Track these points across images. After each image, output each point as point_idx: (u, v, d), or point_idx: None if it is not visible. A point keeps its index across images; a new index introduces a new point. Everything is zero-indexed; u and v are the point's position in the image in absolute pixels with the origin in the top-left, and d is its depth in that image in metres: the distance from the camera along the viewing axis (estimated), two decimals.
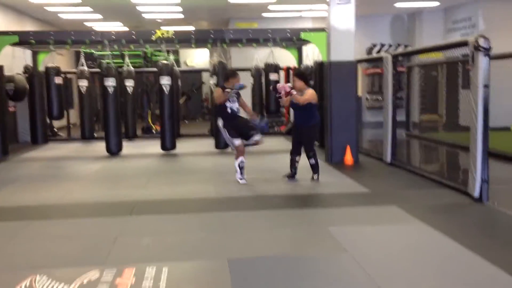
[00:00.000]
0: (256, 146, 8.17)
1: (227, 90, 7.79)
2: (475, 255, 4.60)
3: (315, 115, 7.98)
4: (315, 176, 8.02)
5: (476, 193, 6.57)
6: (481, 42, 6.24)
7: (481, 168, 6.51)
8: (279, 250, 4.87)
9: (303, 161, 8.10)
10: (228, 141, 8.04)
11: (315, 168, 8.02)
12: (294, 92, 7.86)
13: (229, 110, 7.88)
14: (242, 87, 7.93)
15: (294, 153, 8.17)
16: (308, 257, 4.64)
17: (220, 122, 7.94)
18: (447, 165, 9.50)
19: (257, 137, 7.99)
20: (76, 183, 8.22)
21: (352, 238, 5.16)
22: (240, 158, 7.92)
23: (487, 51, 6.25)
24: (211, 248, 4.94)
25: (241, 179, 7.92)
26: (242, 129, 7.93)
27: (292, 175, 8.17)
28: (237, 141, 7.88)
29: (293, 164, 8.19)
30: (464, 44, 6.76)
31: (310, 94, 7.89)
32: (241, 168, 7.93)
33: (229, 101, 7.87)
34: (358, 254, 4.66)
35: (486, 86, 6.36)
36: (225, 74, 8.23)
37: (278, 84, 8.11)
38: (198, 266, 4.49)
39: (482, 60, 6.29)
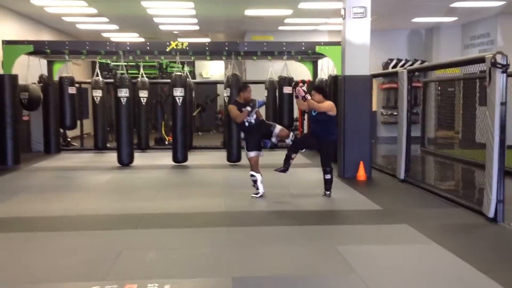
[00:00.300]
0: (285, 141, 8.12)
1: (247, 108, 7.73)
2: (488, 279, 4.44)
3: (335, 130, 7.88)
4: (327, 193, 7.86)
5: (491, 214, 6.38)
6: (499, 59, 6.09)
7: (497, 187, 6.33)
8: (286, 269, 4.74)
9: (314, 175, 7.97)
10: (246, 150, 7.94)
11: (328, 184, 7.86)
12: (309, 96, 7.69)
13: (246, 124, 7.87)
14: (262, 104, 7.96)
15: (292, 150, 7.92)
16: (315, 278, 4.50)
17: (242, 134, 7.90)
18: (461, 183, 9.31)
19: (276, 130, 7.93)
20: (85, 194, 8.17)
21: (361, 258, 5.02)
22: (252, 172, 7.85)
23: (504, 67, 6.10)
24: (216, 265, 4.83)
25: (256, 194, 7.83)
26: (261, 132, 7.94)
27: (283, 170, 7.91)
28: (252, 153, 7.85)
29: (287, 161, 7.92)
30: (481, 60, 6.61)
31: (328, 104, 7.72)
32: (254, 182, 7.84)
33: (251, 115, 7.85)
34: (366, 275, 4.52)
35: (503, 104, 6.21)
36: (237, 88, 8.15)
37: (298, 86, 7.92)
38: (201, 285, 4.38)
39: (499, 77, 6.13)
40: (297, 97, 7.82)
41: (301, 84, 7.92)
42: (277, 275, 4.55)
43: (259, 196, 7.79)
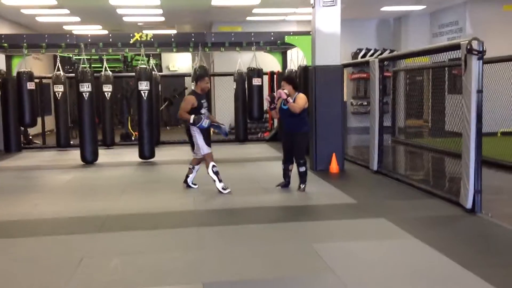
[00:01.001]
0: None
1: (193, 117, 7.41)
2: (469, 272, 4.26)
3: (307, 121, 7.65)
4: (302, 186, 7.59)
5: (468, 204, 6.20)
6: (475, 45, 5.89)
7: (474, 177, 6.15)
8: (259, 271, 4.45)
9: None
10: (198, 145, 7.61)
11: (303, 177, 7.60)
12: (290, 100, 7.41)
13: (203, 117, 7.59)
14: (224, 132, 7.88)
15: (287, 162, 7.78)
16: (291, 280, 4.22)
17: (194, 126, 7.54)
18: (436, 174, 9.16)
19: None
20: (45, 196, 7.71)
21: (338, 256, 4.76)
22: (212, 163, 7.58)
23: (480, 54, 5.90)
24: (186, 270, 4.51)
25: (224, 189, 7.53)
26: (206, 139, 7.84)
27: (285, 184, 7.80)
28: (209, 149, 7.67)
29: (286, 174, 7.81)
30: (456, 47, 6.40)
31: (302, 99, 7.46)
32: (216, 173, 7.55)
33: (204, 107, 7.60)
34: (345, 274, 4.26)
35: (479, 91, 6.01)
36: (195, 78, 7.82)
37: (274, 93, 7.68)
38: None
39: (475, 64, 5.93)
40: (273, 108, 7.54)
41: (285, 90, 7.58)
42: (250, 279, 4.26)
43: (228, 192, 7.50)
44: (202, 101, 7.59)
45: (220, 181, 7.55)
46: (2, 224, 6.15)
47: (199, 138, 7.58)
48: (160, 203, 7.11)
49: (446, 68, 13.08)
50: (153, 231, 5.74)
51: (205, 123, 7.45)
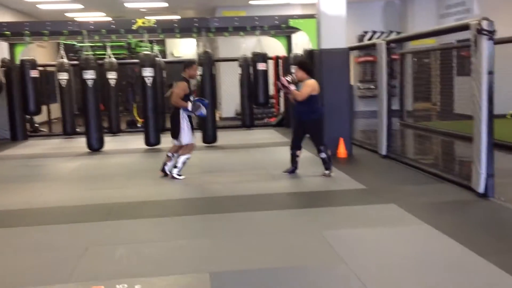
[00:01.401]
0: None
1: (188, 103, 7.40)
2: (482, 259, 4.15)
3: (316, 108, 7.42)
4: (326, 173, 7.45)
5: (481, 189, 6.08)
6: (485, 25, 5.73)
7: (487, 161, 6.02)
8: (267, 260, 4.35)
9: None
10: (184, 133, 7.50)
11: (326, 163, 7.45)
12: (292, 87, 7.28)
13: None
14: (203, 115, 7.71)
15: (294, 147, 7.65)
16: (300, 269, 4.12)
17: (184, 113, 7.47)
18: (446, 157, 9.02)
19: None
20: (51, 184, 7.64)
21: (348, 244, 4.67)
22: (188, 155, 7.59)
23: (491, 34, 5.74)
24: (192, 259, 4.42)
25: (179, 175, 7.54)
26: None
27: (292, 170, 7.67)
28: (193, 140, 7.63)
29: (294, 159, 7.68)
30: (465, 27, 6.22)
31: (309, 86, 7.27)
32: (184, 164, 7.59)
33: (191, 94, 7.60)
34: (355, 263, 4.16)
35: (490, 73, 5.85)
36: (184, 64, 7.71)
37: (281, 78, 7.54)
38: (175, 283, 3.96)
39: (486, 45, 5.77)
40: (279, 89, 7.41)
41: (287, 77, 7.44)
42: (257, 268, 4.16)
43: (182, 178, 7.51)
44: (191, 87, 7.60)
45: (179, 170, 7.56)
46: (6, 213, 6.08)
47: (187, 126, 7.50)
48: (167, 190, 7.02)
49: (454, 50, 12.90)
50: (159, 219, 5.66)
51: (204, 111, 7.46)
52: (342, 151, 9.05)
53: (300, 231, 5.09)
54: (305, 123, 7.43)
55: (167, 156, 7.81)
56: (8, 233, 5.34)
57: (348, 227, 5.16)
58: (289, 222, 5.43)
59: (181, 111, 7.47)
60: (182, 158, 7.56)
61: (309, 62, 7.79)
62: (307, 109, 7.33)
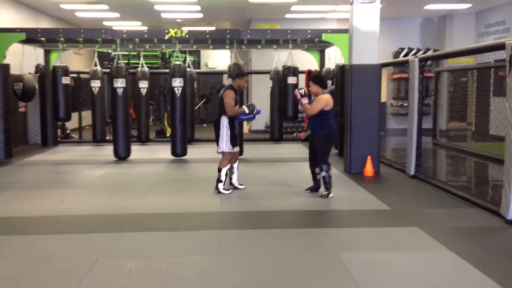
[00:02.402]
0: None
1: (244, 107, 7.40)
2: None
3: (328, 124, 7.19)
4: (324, 192, 7.20)
5: (510, 216, 5.81)
6: None
7: None
8: (280, 281, 4.20)
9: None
10: (223, 141, 7.40)
11: (325, 183, 7.21)
12: (304, 101, 7.14)
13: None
14: (258, 113, 7.57)
15: (312, 164, 7.48)
16: None
17: (225, 120, 7.38)
18: (476, 180, 8.71)
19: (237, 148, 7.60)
20: (72, 192, 7.64)
21: (364, 268, 4.47)
22: (228, 166, 7.43)
23: None
24: (202, 277, 4.30)
25: (226, 190, 7.40)
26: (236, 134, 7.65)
27: (314, 188, 7.48)
28: (234, 148, 7.46)
29: (315, 176, 7.48)
30: (500, 47, 5.99)
31: (321, 101, 7.11)
32: (226, 176, 7.44)
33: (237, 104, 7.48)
34: None
35: None
36: (235, 73, 7.64)
37: (295, 90, 7.43)
38: None
39: None
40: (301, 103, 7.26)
41: (302, 88, 7.34)
42: None
43: (228, 193, 7.38)
44: (237, 98, 7.48)
45: (224, 183, 7.43)
46: (23, 220, 6.09)
47: (226, 134, 7.37)
48: (186, 202, 6.95)
49: (491, 69, 12.54)
50: (174, 232, 5.56)
51: (258, 107, 7.48)
52: (369, 169, 8.84)
53: (316, 252, 4.93)
54: (315, 138, 7.29)
55: (230, 170, 7.63)
56: (21, 240, 5.31)
57: (366, 250, 4.97)
58: (305, 242, 5.26)
59: (223, 119, 7.38)
60: (223, 171, 7.40)
61: (324, 77, 7.64)
62: (319, 124, 7.17)
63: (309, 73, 14.21)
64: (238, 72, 7.69)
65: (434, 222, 5.95)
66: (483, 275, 4.26)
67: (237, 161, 7.66)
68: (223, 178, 7.39)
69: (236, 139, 7.51)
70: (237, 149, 7.56)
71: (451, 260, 4.66)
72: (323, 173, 7.18)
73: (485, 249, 5.06)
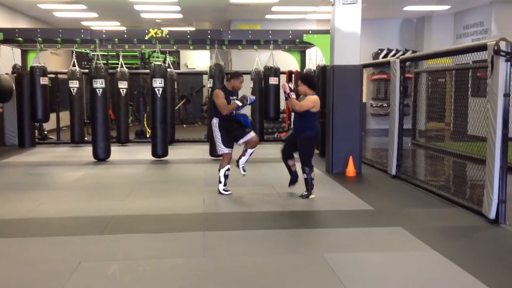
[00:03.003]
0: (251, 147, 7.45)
1: (237, 102, 7.23)
2: None
3: (313, 125, 7.13)
4: (305, 193, 7.15)
5: (492, 215, 5.85)
6: (503, 46, 5.54)
7: (499, 186, 5.80)
8: (264, 283, 4.16)
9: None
10: (216, 143, 7.35)
11: (306, 184, 7.15)
12: (292, 95, 7.09)
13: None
14: (253, 102, 7.55)
15: (285, 157, 7.43)
16: None
17: (215, 121, 7.29)
18: (457, 180, 8.77)
19: (248, 136, 7.37)
20: (51, 194, 7.50)
21: (350, 269, 4.46)
22: (227, 166, 7.31)
23: (508, 55, 5.54)
24: (187, 279, 4.24)
25: (225, 190, 7.33)
26: (236, 131, 7.38)
27: (292, 181, 7.48)
28: (227, 150, 7.31)
29: (289, 169, 7.48)
30: (482, 48, 6.04)
31: (310, 101, 7.07)
32: (226, 177, 7.33)
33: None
34: None
35: (506, 95, 5.66)
36: (230, 74, 7.55)
37: (282, 84, 7.36)
38: None
39: (503, 66, 5.58)
40: (286, 97, 7.18)
41: (290, 84, 7.26)
42: None
43: (229, 194, 7.31)
44: (231, 98, 7.29)
45: (224, 184, 7.36)
46: (1, 223, 5.94)
47: (217, 136, 7.29)
48: (169, 204, 6.87)
49: (470, 70, 12.67)
50: (157, 234, 5.49)
51: (252, 97, 7.40)
52: (351, 169, 8.86)
53: (301, 253, 4.90)
54: (298, 139, 7.19)
55: (243, 150, 7.53)
56: (1, 243, 5.19)
57: (351, 251, 4.96)
58: (289, 243, 5.24)
59: (213, 121, 7.31)
60: (222, 172, 7.32)
61: (313, 77, 7.55)
62: (303, 124, 7.11)
63: (290, 74, 14.23)
64: (233, 73, 7.58)
65: (417, 222, 5.97)
66: (468, 274, 4.27)
67: (254, 148, 7.47)
68: (222, 179, 7.33)
69: (232, 139, 7.35)
70: (248, 137, 7.34)
71: (436, 260, 4.67)
72: (305, 175, 7.12)
73: (469, 248, 5.09)
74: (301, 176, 7.29)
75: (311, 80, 7.30)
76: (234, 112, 7.31)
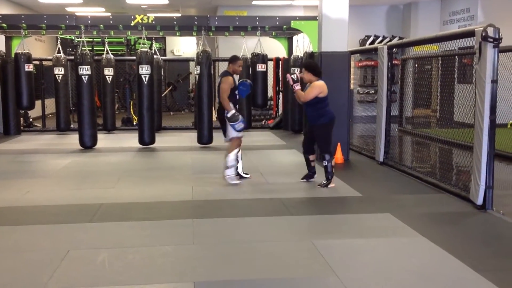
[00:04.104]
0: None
1: (235, 114, 7.11)
2: (479, 276, 3.97)
3: (325, 111, 6.99)
4: (324, 182, 7.03)
5: (479, 201, 5.90)
6: (490, 32, 5.55)
7: (486, 172, 5.84)
8: (255, 270, 4.16)
9: (289, 158, 7.37)
10: (233, 129, 7.14)
11: (326, 172, 7.03)
12: (296, 87, 6.94)
13: (237, 97, 7.30)
14: (246, 84, 7.42)
15: (306, 152, 7.33)
16: (287, 281, 3.95)
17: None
18: (444, 166, 8.83)
19: (231, 134, 7.26)
20: (38, 182, 7.44)
21: (340, 255, 4.47)
22: (237, 149, 7.16)
23: (496, 41, 5.56)
24: (177, 266, 4.23)
25: (231, 179, 7.15)
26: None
27: (309, 176, 7.36)
28: (239, 134, 7.19)
29: (309, 164, 7.34)
30: (470, 34, 6.05)
31: (315, 88, 6.91)
32: (237, 161, 7.23)
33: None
34: (347, 276, 3.98)
35: (494, 81, 5.68)
36: (229, 58, 7.49)
37: (287, 75, 7.23)
38: None
39: (490, 52, 5.60)
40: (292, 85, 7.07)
41: (294, 73, 7.11)
42: (243, 279, 3.97)
43: (235, 183, 7.17)
44: (235, 83, 7.26)
45: (236, 169, 7.22)
46: None
47: (235, 120, 7.11)
48: (157, 192, 6.83)
49: (456, 57, 12.72)
50: (147, 222, 5.46)
51: (238, 126, 7.11)
52: (339, 156, 8.88)
53: (290, 240, 4.90)
54: (313, 128, 7.11)
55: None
56: None
57: (341, 237, 4.97)
58: (279, 230, 5.24)
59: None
60: (232, 155, 7.12)
61: (317, 64, 7.39)
62: (315, 112, 6.98)
63: (277, 61, 14.20)
64: (232, 57, 7.51)
65: (405, 208, 6.01)
66: (457, 260, 4.31)
67: (240, 149, 7.39)
68: (230, 163, 7.13)
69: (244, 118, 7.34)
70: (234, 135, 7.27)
71: (425, 246, 4.71)
72: (325, 163, 7.00)
73: (457, 234, 5.13)
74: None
75: (315, 67, 7.13)
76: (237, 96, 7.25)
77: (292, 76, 7.01)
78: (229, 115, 7.08)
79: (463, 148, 8.02)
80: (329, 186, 7.01)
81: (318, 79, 7.04)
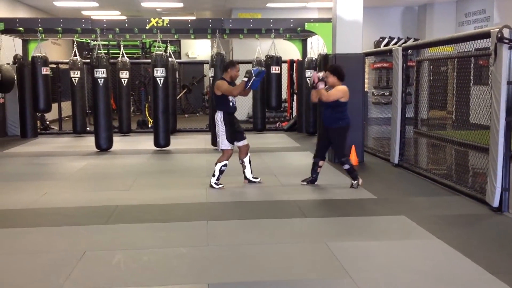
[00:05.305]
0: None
1: (243, 79, 6.95)
2: (495, 279, 3.95)
3: (344, 116, 7.03)
4: (354, 183, 7.10)
5: (495, 203, 5.86)
6: (506, 33, 5.51)
7: (502, 174, 5.80)
8: (269, 272, 4.17)
9: (304, 160, 7.36)
10: (220, 138, 7.18)
11: (351, 173, 7.11)
12: (320, 86, 6.92)
13: (231, 104, 7.14)
14: (258, 72, 7.03)
15: (317, 156, 7.33)
16: (301, 282, 3.95)
17: (219, 114, 7.10)
18: (459, 168, 8.78)
19: (246, 142, 7.31)
20: (54, 184, 7.52)
21: (354, 257, 4.47)
22: (225, 162, 7.15)
23: None
24: (192, 268, 4.25)
25: (217, 184, 7.16)
26: (238, 128, 7.28)
27: (311, 180, 7.36)
28: (230, 146, 7.16)
29: (314, 168, 7.34)
30: (485, 35, 6.01)
31: (338, 91, 6.93)
32: (221, 172, 7.17)
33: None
34: (361, 278, 3.97)
35: (510, 83, 5.64)
36: (225, 65, 7.46)
37: (312, 72, 7.14)
38: None
39: (506, 53, 5.56)
40: (314, 86, 7.04)
41: (320, 73, 7.06)
42: (257, 281, 3.99)
43: (220, 188, 7.14)
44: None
45: (217, 179, 7.19)
46: (7, 213, 5.97)
47: (221, 131, 7.10)
48: (172, 194, 6.87)
49: (471, 58, 12.63)
50: (162, 224, 5.50)
51: (260, 68, 7.05)
52: (353, 158, 8.84)
53: (305, 241, 4.91)
54: (330, 131, 7.11)
55: (240, 164, 7.44)
56: (6, 234, 5.21)
57: (355, 239, 4.97)
58: (293, 231, 5.25)
59: (216, 115, 7.11)
60: (218, 166, 7.14)
61: (342, 69, 7.35)
62: (334, 115, 6.99)
63: (291, 63, 14.21)
64: (228, 63, 7.42)
65: (420, 210, 5.98)
66: (472, 263, 4.29)
67: (249, 154, 7.38)
68: (216, 173, 7.15)
69: (236, 133, 7.21)
70: (242, 143, 7.28)
71: (440, 248, 4.68)
72: (347, 166, 7.07)
73: (472, 236, 5.09)
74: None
75: (340, 72, 7.12)
76: (249, 85, 7.01)
77: (318, 74, 7.01)
78: (246, 80, 6.91)
79: (479, 150, 7.97)
80: (359, 184, 7.09)
81: (342, 83, 7.06)
